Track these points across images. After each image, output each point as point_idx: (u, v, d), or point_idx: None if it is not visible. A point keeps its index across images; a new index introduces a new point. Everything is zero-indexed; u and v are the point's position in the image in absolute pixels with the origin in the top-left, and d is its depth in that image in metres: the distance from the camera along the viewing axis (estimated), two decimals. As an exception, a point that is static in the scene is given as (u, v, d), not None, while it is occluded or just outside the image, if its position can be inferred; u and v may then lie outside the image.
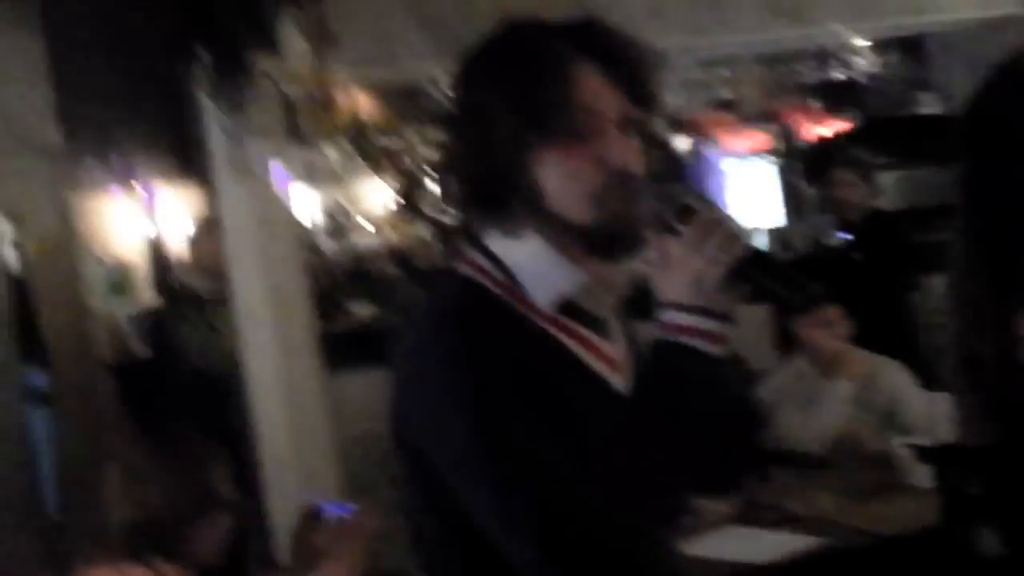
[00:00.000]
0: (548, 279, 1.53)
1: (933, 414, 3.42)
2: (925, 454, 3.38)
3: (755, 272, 1.43)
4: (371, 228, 7.62)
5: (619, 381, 1.59)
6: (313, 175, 7.36)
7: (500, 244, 1.55)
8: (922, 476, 3.40)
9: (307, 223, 7.46)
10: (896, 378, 4.01)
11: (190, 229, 4.84)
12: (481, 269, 1.55)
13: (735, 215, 1.48)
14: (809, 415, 4.02)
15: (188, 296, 5.03)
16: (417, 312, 1.57)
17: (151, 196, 3.83)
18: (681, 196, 1.48)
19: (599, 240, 1.52)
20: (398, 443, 1.55)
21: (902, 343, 4.97)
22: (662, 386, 1.45)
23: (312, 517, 2.57)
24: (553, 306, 1.52)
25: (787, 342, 4.58)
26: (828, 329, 3.97)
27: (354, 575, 2.45)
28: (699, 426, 1.44)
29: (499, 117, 1.48)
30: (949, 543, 2.71)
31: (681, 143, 9.55)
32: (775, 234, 8.00)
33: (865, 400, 3.97)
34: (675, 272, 1.46)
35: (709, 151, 9.03)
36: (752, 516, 3.34)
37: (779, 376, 4.19)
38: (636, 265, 1.63)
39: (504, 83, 1.49)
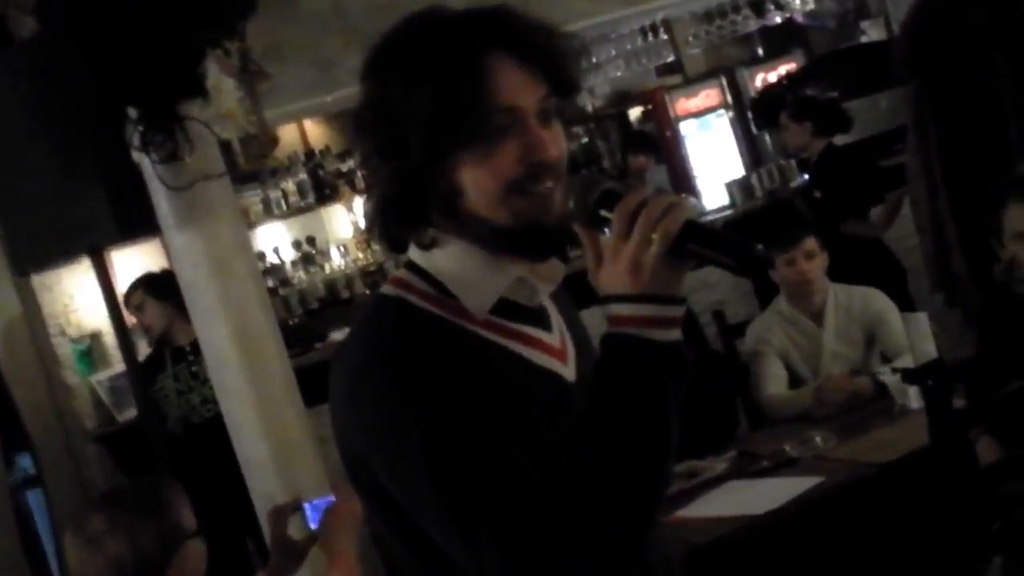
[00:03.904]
0: (478, 284, 1.48)
1: (914, 335, 3.41)
2: (910, 376, 3.39)
3: (693, 244, 1.35)
4: (340, 253, 7.60)
5: (566, 370, 1.55)
6: (271, 210, 7.34)
7: (424, 256, 1.50)
8: (911, 398, 3.41)
9: (274, 258, 7.43)
10: (874, 304, 4.02)
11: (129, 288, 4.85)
12: (407, 285, 1.50)
13: (661, 183, 1.41)
14: (796, 356, 4.03)
15: (157, 353, 5.04)
16: (345, 344, 1.51)
17: (104, 261, 3.79)
18: (602, 183, 1.43)
19: (524, 240, 1.45)
20: (353, 479, 1.50)
21: (874, 270, 5.00)
22: (617, 383, 1.36)
23: (286, 513, 2.60)
24: (487, 311, 1.47)
25: (766, 287, 4.58)
26: (808, 261, 3.97)
27: (358, 559, 2.47)
28: (665, 413, 1.36)
29: (411, 121, 1.41)
30: (944, 459, 2.73)
31: (634, 113, 9.56)
32: (739, 185, 7.99)
33: (846, 330, 3.98)
34: (609, 263, 1.38)
35: (663, 115, 9.03)
36: (749, 467, 3.34)
37: (761, 321, 4.19)
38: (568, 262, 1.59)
39: (414, 84, 1.41)
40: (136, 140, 3.48)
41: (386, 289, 1.52)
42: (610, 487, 1.33)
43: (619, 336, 1.37)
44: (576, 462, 1.34)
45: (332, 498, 2.58)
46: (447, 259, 1.49)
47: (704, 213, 7.72)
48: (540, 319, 1.55)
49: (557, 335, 1.57)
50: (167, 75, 3.48)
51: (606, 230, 1.41)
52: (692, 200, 7.84)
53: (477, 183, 1.43)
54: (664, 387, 1.36)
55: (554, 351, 1.54)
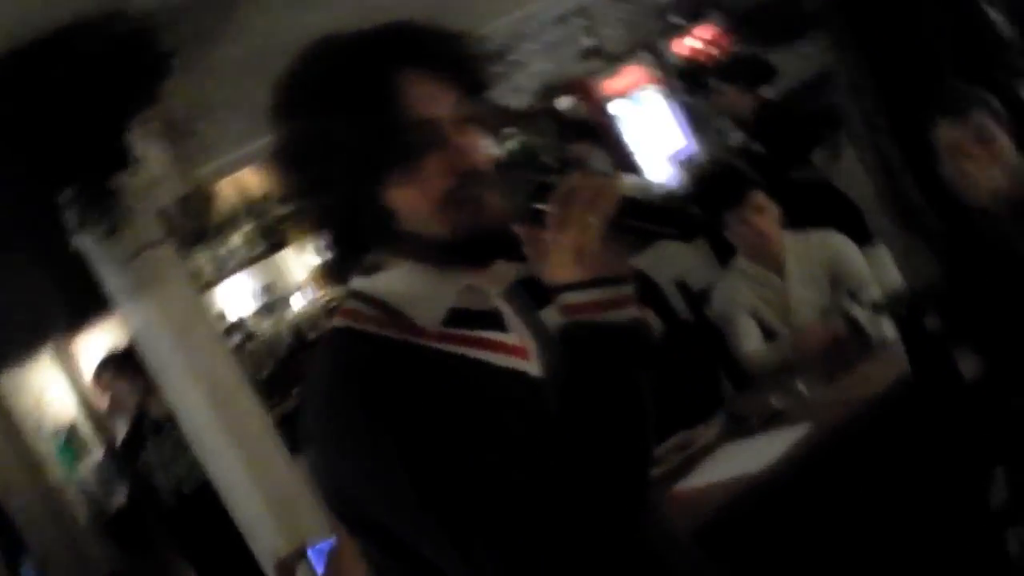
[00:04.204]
0: (426, 299, 1.45)
1: (877, 268, 3.43)
2: (880, 307, 3.40)
3: (631, 219, 1.35)
4: (300, 295, 7.56)
5: (531, 366, 1.53)
6: (224, 266, 7.28)
7: (368, 281, 1.48)
8: (885, 329, 3.42)
9: (236, 313, 7.38)
10: (831, 244, 4.03)
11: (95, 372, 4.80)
12: (356, 314, 1.46)
13: (604, 167, 1.40)
14: (766, 310, 4.04)
15: (136, 429, 4.99)
16: (307, 385, 1.48)
17: (67, 350, 3.76)
18: (533, 177, 1.42)
19: (466, 249, 1.43)
20: (340, 516, 1.46)
21: (830, 212, 5.02)
22: (584, 373, 1.35)
23: (292, 564, 2.57)
24: (439, 323, 1.45)
25: (724, 249, 4.59)
26: (759, 215, 3.98)
27: None
28: (637, 391, 1.36)
29: (330, 153, 1.39)
30: (927, 383, 2.74)
31: (565, 103, 9.55)
32: (682, 155, 8.02)
33: (809, 275, 3.99)
34: (552, 254, 1.38)
35: (593, 100, 9.04)
36: (740, 428, 3.34)
37: (725, 283, 4.19)
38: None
39: (327, 116, 1.39)
40: (73, 221, 3.45)
41: (336, 323, 1.49)
42: (597, 475, 1.32)
43: (576, 325, 1.36)
44: (558, 457, 1.33)
45: (334, 539, 2.56)
46: (391, 280, 1.47)
47: (649, 188, 7.72)
48: (495, 321, 1.53)
49: (515, 333, 1.55)
50: (93, 153, 3.47)
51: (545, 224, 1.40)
52: (633, 177, 7.85)
53: (409, 202, 1.41)
54: (631, 366, 1.36)
55: (515, 350, 1.53)
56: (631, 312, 1.37)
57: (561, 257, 1.37)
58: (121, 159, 3.45)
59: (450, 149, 1.42)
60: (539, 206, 1.39)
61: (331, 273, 1.54)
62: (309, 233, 1.54)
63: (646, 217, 1.36)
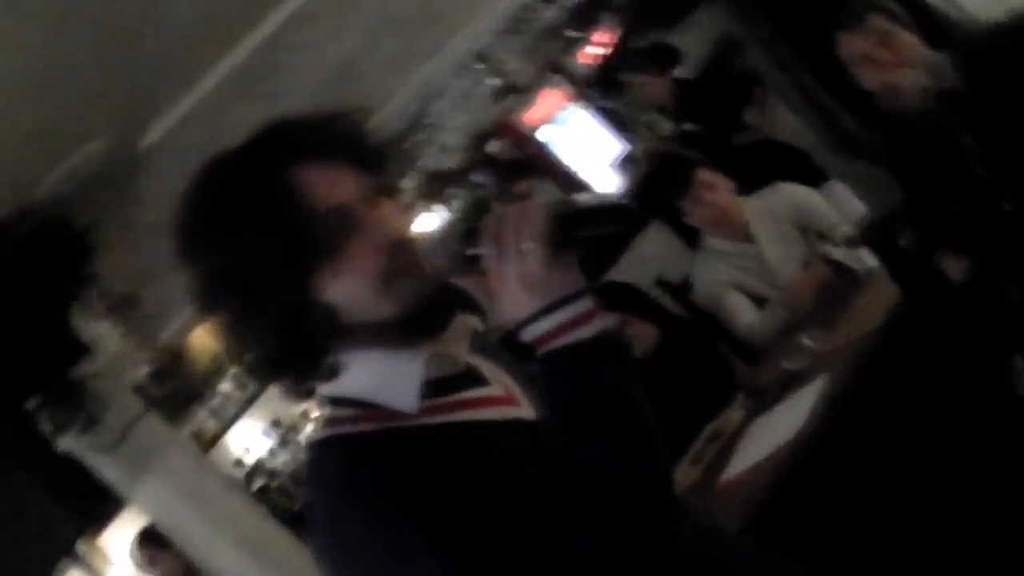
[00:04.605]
0: (396, 383, 1.41)
1: (838, 203, 3.40)
2: (854, 241, 3.37)
3: (568, 230, 1.32)
4: (310, 423, 7.51)
5: (523, 411, 1.50)
6: (222, 416, 7.24)
7: (333, 385, 1.43)
8: (865, 260, 3.38)
9: (252, 456, 7.32)
10: (787, 195, 4.01)
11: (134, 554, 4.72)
12: (332, 421, 1.43)
13: (554, 195, 1.36)
14: (749, 280, 4.00)
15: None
16: (306, 507, 1.43)
17: (89, 555, 3.71)
18: (459, 228, 1.41)
19: (417, 320, 1.40)
20: None
21: (779, 165, 5.00)
22: (571, 398, 1.32)
23: None
24: (418, 402, 1.40)
25: (689, 234, 4.57)
26: (712, 192, 3.96)
27: None
28: (630, 397, 1.33)
29: (252, 274, 1.35)
30: (918, 300, 2.70)
31: (494, 147, 9.57)
32: (621, 160, 8.02)
33: (778, 233, 3.96)
34: (501, 293, 1.34)
35: (519, 136, 9.05)
36: (762, 401, 3.28)
37: (701, 267, 4.15)
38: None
39: (236, 234, 1.35)
40: (49, 426, 3.39)
41: (316, 436, 1.45)
42: (617, 492, 1.29)
43: (548, 355, 1.33)
44: (574, 487, 1.30)
45: None
46: (356, 376, 1.43)
47: (600, 200, 7.72)
48: (473, 378, 1.50)
49: (497, 383, 1.52)
50: (44, 352, 3.41)
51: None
52: (584, 195, 7.83)
53: (347, 293, 1.38)
54: (617, 376, 1.33)
55: (501, 400, 1.49)
56: (596, 325, 1.33)
57: (510, 294, 1.33)
58: (74, 349, 3.39)
59: (368, 228, 1.38)
60: (473, 251, 1.36)
61: (295, 391, 1.48)
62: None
63: (582, 223, 1.33)
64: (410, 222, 1.45)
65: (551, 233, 1.31)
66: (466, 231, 1.37)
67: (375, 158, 1.46)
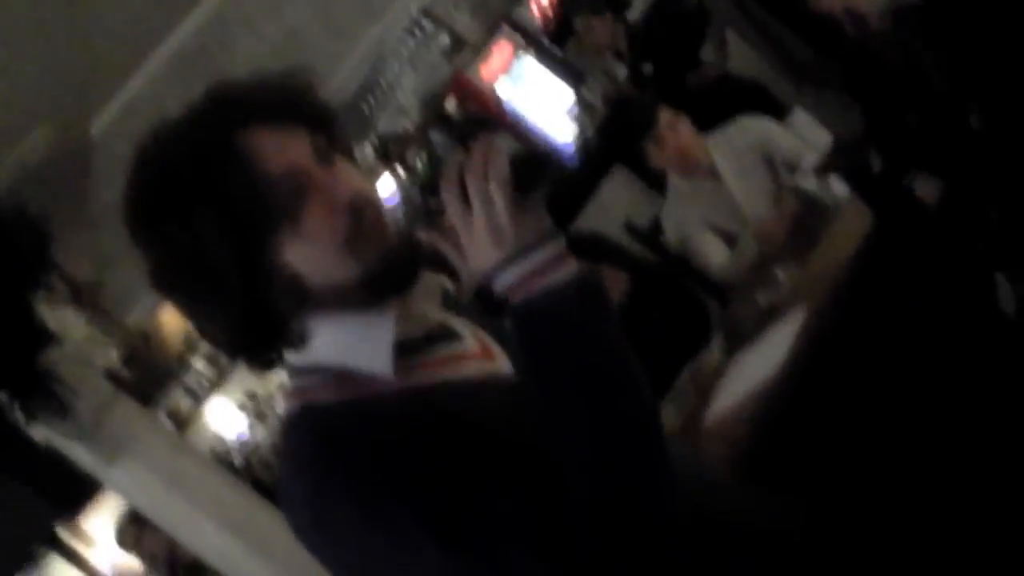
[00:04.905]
0: (367, 347, 1.36)
1: (801, 132, 3.37)
2: (821, 169, 3.34)
3: (531, 173, 1.28)
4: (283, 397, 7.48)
5: (499, 365, 1.46)
6: (198, 395, 7.18)
7: (301, 354, 1.39)
8: (836, 188, 3.35)
9: (231, 433, 7.28)
10: (749, 128, 3.99)
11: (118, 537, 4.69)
12: (303, 391, 1.38)
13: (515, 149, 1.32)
14: (719, 218, 3.98)
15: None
16: (281, 481, 1.39)
17: (68, 542, 3.66)
18: (420, 183, 1.36)
19: (383, 279, 1.35)
20: None
21: (739, 101, 4.96)
22: (550, 347, 1.27)
23: None
24: (392, 364, 1.35)
25: (656, 179, 4.54)
26: (673, 132, 3.93)
27: None
28: (611, 339, 1.28)
29: (209, 247, 1.29)
30: (891, 224, 2.68)
31: (451, 105, 9.49)
32: (579, 107, 7.98)
33: (743, 167, 3.93)
34: (470, 244, 1.30)
35: (475, 92, 8.97)
36: (740, 340, 3.26)
37: (670, 209, 4.13)
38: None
39: (188, 205, 1.29)
40: (21, 416, 3.34)
41: (288, 408, 1.40)
42: (608, 441, 1.25)
43: (523, 304, 1.28)
44: (563, 448, 1.26)
45: None
46: (325, 343, 1.38)
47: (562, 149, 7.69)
48: (446, 335, 1.45)
49: (471, 339, 1.48)
50: (8, 343, 3.35)
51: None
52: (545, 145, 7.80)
53: (308, 257, 1.33)
54: (597, 319, 1.28)
55: (476, 354, 1.45)
56: (570, 268, 1.29)
57: (478, 244, 1.29)
58: (39, 338, 3.33)
59: (325, 188, 1.33)
60: (437, 205, 1.31)
61: (263, 363, 1.43)
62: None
63: (544, 164, 1.30)
64: (369, 182, 1.39)
65: (514, 173, 1.27)
66: (428, 185, 1.33)
67: (325, 117, 1.41)
